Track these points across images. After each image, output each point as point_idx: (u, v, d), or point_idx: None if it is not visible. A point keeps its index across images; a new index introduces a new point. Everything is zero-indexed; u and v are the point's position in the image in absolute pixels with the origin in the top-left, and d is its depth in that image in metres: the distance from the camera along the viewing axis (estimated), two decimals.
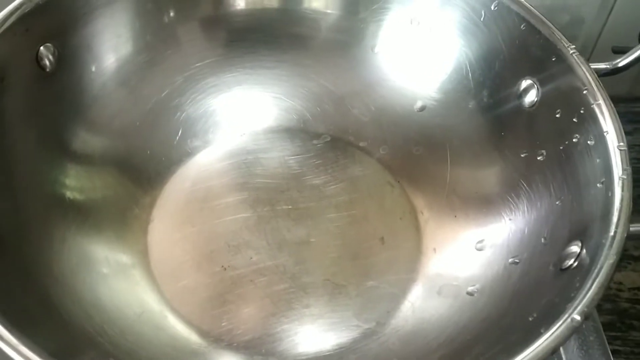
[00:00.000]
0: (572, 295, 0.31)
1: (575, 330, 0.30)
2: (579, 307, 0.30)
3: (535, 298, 0.36)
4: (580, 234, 0.36)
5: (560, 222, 0.38)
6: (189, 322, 0.41)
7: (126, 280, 0.41)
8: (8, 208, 0.35)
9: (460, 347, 0.38)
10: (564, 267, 0.35)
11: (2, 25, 0.37)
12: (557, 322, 0.30)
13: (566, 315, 0.30)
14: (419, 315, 0.42)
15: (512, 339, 0.34)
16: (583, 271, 0.33)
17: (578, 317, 0.30)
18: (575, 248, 0.35)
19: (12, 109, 0.38)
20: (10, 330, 0.28)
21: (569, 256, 0.35)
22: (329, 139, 0.50)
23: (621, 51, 0.54)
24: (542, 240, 0.39)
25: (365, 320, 0.42)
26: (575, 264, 0.35)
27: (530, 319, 0.34)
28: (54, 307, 0.35)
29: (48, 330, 0.33)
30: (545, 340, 0.29)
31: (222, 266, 0.43)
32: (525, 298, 0.37)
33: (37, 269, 0.36)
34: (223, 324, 0.41)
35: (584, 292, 0.31)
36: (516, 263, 0.40)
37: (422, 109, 0.49)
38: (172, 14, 0.47)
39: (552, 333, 0.30)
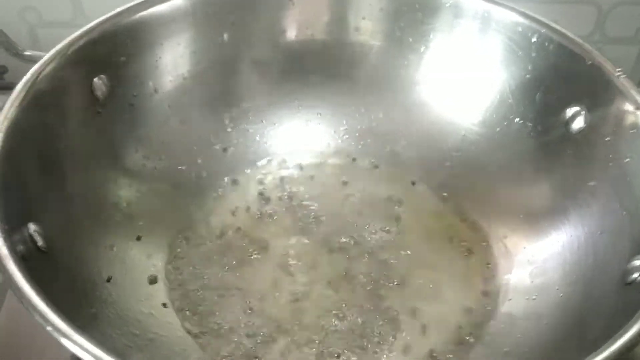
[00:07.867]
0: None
1: None
2: None
3: (597, 314, 0.35)
4: None
5: (618, 239, 0.37)
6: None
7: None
8: (60, 217, 0.36)
9: None
10: (628, 282, 0.34)
11: (63, 54, 0.39)
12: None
13: None
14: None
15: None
16: None
17: None
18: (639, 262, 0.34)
19: (69, 127, 0.39)
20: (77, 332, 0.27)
21: (633, 270, 0.34)
22: (376, 170, 0.50)
23: None
24: (599, 256, 0.38)
25: None
26: None
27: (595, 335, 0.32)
28: (100, 315, 0.34)
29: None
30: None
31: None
32: (587, 314, 0.36)
33: (83, 274, 0.36)
34: None
35: None
36: (572, 279, 0.39)
37: (465, 139, 0.49)
38: (226, 38, 0.48)
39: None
